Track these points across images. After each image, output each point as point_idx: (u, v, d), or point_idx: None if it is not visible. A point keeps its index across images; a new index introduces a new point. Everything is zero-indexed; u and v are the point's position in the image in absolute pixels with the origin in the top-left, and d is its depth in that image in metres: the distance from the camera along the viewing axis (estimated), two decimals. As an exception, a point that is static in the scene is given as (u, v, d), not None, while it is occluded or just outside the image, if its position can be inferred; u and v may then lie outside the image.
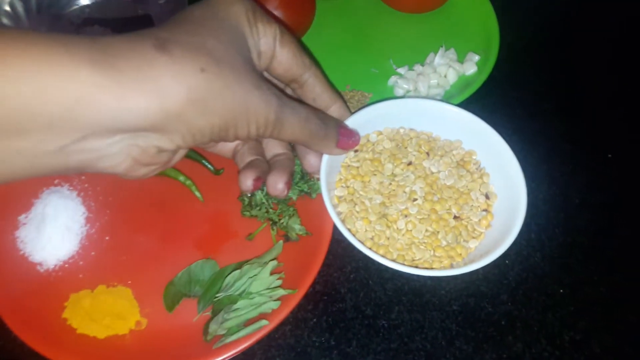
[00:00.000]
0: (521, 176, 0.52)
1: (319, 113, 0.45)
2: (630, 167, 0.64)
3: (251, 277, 0.50)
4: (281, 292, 0.50)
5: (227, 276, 0.51)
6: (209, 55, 0.35)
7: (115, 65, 0.32)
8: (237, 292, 0.50)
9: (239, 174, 0.45)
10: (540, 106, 0.68)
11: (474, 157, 0.56)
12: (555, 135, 0.66)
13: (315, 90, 0.47)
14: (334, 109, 0.49)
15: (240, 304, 0.49)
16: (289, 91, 0.50)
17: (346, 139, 0.48)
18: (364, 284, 0.55)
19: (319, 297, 0.54)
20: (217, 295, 0.50)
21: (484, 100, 0.65)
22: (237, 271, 0.51)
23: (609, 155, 0.65)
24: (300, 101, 0.45)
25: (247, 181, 0.44)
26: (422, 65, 0.69)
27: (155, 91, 0.33)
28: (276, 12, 0.61)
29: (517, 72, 0.70)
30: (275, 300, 0.49)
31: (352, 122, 0.52)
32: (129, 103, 0.32)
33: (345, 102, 0.51)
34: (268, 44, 0.41)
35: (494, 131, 0.54)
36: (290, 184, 0.46)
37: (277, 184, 0.45)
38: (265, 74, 0.47)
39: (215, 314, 0.49)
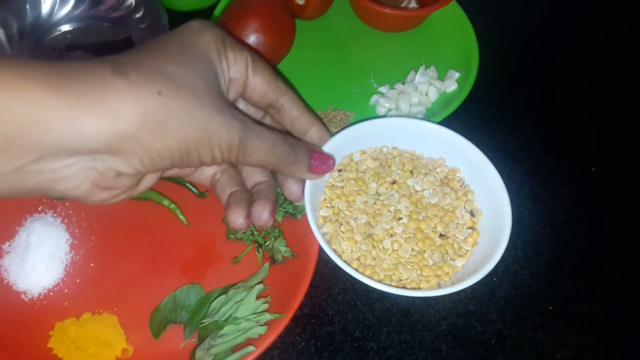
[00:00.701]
0: (505, 193, 0.51)
1: (287, 138, 0.44)
2: (613, 180, 0.63)
3: (237, 302, 0.49)
4: (268, 316, 0.48)
5: (212, 301, 0.49)
6: (167, 79, 0.35)
7: (70, 87, 0.32)
8: (224, 318, 0.49)
9: (226, 211, 0.44)
10: (522, 121, 0.67)
11: (457, 175, 0.55)
12: (537, 150, 0.65)
13: (293, 114, 0.46)
14: (313, 132, 0.49)
15: (226, 329, 0.48)
16: (267, 120, 0.49)
17: (319, 163, 0.47)
18: (352, 306, 0.54)
19: (306, 320, 0.53)
20: (203, 321, 0.49)
21: (465, 117, 0.65)
22: (223, 296, 0.49)
23: (592, 169, 0.64)
24: (271, 127, 0.44)
25: (238, 219, 0.43)
26: (403, 83, 0.68)
27: (108, 113, 0.32)
28: (256, 35, 0.61)
29: (498, 87, 0.70)
30: (262, 325, 0.48)
31: (335, 142, 0.51)
32: (81, 124, 0.32)
33: (324, 124, 0.50)
34: (239, 71, 0.41)
35: (476, 148, 0.53)
36: (274, 213, 0.45)
37: (262, 215, 0.44)
38: (242, 105, 0.47)
39: (201, 340, 0.48)
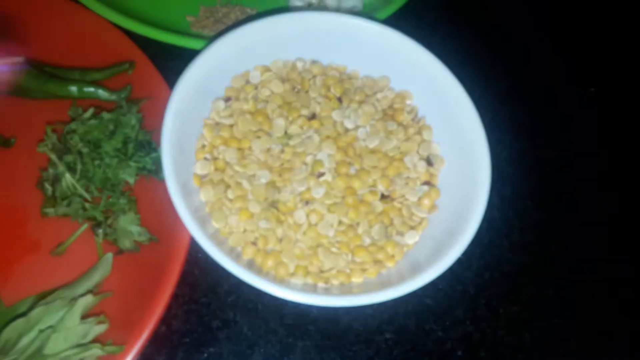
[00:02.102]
0: (479, 126, 0.39)
1: None
2: (619, 103, 0.52)
3: (48, 328, 0.31)
4: (97, 352, 0.31)
5: (7, 326, 0.32)
6: None
7: None
8: (23, 357, 0.31)
9: None
10: (497, 25, 0.55)
11: (408, 103, 0.43)
12: (519, 64, 0.53)
13: None
14: None
15: None
16: None
17: None
18: (249, 312, 0.38)
19: (176, 341, 0.36)
20: None
21: (417, 17, 0.52)
22: (22, 319, 0.32)
23: (592, 89, 0.53)
24: None
25: None
26: None
27: None
28: None
29: None
30: None
31: (218, 52, 0.38)
32: None
33: None
34: None
35: (437, 60, 0.41)
36: None
37: None
38: None
39: (-13, 395, 0.31)
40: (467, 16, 0.54)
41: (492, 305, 0.41)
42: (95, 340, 0.33)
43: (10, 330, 0.32)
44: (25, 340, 0.31)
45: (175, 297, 0.36)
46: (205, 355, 0.37)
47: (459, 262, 0.41)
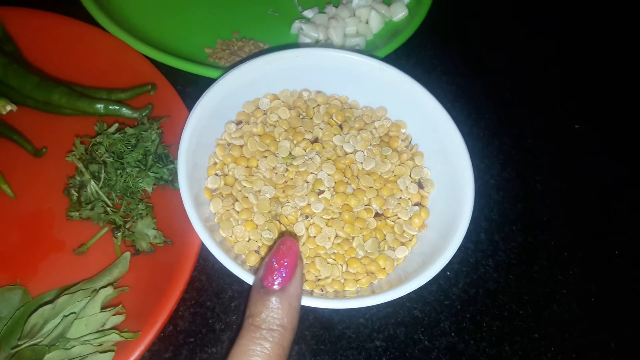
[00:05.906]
0: (466, 155, 0.42)
1: None
2: (602, 139, 0.55)
3: (70, 315, 0.35)
4: (115, 337, 0.35)
5: (33, 313, 0.35)
6: None
7: None
8: (48, 339, 0.34)
9: None
10: (490, 61, 0.58)
11: (402, 131, 0.46)
12: (509, 99, 0.56)
13: None
14: None
15: (51, 356, 0.34)
16: None
17: None
18: None
19: (182, 340, 0.40)
20: (19, 342, 0.35)
21: (417, 55, 0.56)
22: (49, 306, 0.36)
23: (577, 126, 0.55)
24: None
25: None
26: (336, 6, 0.57)
27: None
28: None
29: (460, 17, 0.61)
30: (106, 351, 0.34)
31: (232, 81, 0.42)
32: None
33: None
34: None
35: (430, 95, 0.44)
36: None
37: None
38: None
39: (13, 373, 0.34)
40: (462, 55, 0.57)
41: (476, 319, 0.44)
42: (113, 329, 0.36)
43: (37, 316, 0.36)
44: (50, 325, 0.35)
45: (182, 300, 0.40)
46: (207, 354, 0.40)
47: (447, 279, 0.46)
